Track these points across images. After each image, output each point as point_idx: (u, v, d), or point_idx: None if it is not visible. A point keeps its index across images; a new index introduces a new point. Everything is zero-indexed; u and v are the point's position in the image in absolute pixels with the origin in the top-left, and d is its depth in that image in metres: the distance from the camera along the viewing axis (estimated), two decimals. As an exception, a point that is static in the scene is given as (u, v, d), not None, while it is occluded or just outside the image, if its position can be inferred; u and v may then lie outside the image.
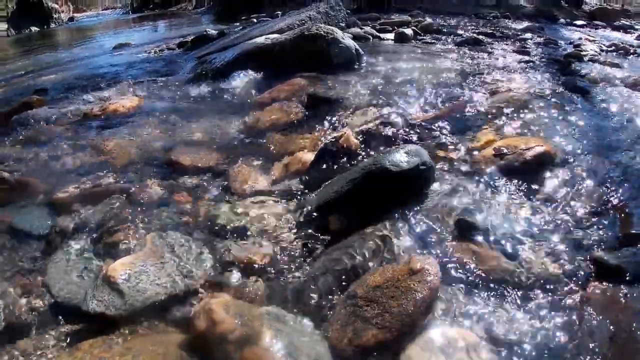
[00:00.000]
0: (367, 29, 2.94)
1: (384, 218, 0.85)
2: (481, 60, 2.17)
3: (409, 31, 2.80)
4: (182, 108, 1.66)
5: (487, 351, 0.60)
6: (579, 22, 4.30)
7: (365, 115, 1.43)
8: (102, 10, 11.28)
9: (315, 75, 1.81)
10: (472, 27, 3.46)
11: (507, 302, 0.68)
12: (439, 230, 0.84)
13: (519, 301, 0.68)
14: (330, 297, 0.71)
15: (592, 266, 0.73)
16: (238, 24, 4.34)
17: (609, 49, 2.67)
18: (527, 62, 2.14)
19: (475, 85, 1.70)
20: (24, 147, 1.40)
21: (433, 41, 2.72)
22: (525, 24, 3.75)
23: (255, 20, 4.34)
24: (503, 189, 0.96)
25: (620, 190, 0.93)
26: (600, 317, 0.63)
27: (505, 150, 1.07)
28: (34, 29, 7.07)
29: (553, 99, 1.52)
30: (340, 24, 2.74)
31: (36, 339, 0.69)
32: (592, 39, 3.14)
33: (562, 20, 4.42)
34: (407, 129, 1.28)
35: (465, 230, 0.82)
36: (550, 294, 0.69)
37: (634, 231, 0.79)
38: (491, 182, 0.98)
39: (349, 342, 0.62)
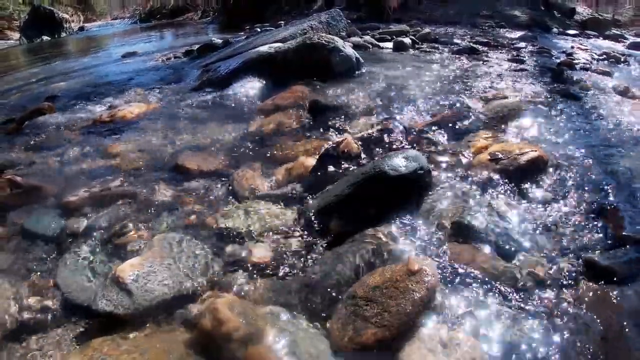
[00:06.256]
0: (367, 38, 3.02)
1: (383, 220, 0.88)
2: (477, 68, 2.22)
3: (407, 40, 2.87)
4: (188, 114, 1.71)
5: (483, 350, 0.62)
6: (571, 32, 4.37)
7: (366, 121, 1.47)
8: (111, 20, 11.57)
9: (317, 82, 1.86)
10: (469, 37, 3.54)
11: (502, 302, 0.70)
12: (436, 232, 0.86)
13: (513, 301, 0.70)
14: (331, 296, 0.73)
15: (584, 267, 0.75)
16: (242, 33, 4.45)
17: (601, 57, 2.72)
18: (521, 70, 2.19)
19: (471, 93, 1.74)
20: (36, 152, 1.45)
21: (430, 50, 2.78)
22: (520, 33, 3.82)
23: (258, 29, 4.45)
24: (498, 193, 0.99)
25: (611, 194, 0.96)
26: (592, 317, 0.65)
27: (500, 155, 1.10)
28: (45, 38, 7.26)
29: (546, 106, 1.56)
30: (341, 33, 2.82)
31: (48, 337, 0.71)
32: (584, 47, 3.20)
33: (555, 29, 4.50)
34: (406, 135, 1.31)
35: (461, 232, 0.85)
36: (544, 293, 0.71)
37: (624, 233, 0.81)
38: (486, 186, 1.01)
39: (349, 341, 0.63)
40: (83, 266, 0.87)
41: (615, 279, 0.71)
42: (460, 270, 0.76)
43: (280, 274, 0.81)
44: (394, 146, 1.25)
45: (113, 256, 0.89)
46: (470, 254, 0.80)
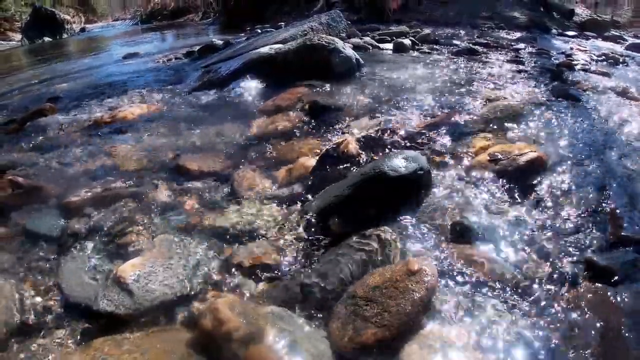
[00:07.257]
0: (367, 39, 3.02)
1: (383, 221, 0.88)
2: (476, 69, 2.23)
3: (407, 41, 2.87)
4: (189, 115, 1.72)
5: (482, 350, 0.62)
6: (570, 33, 4.39)
7: (365, 122, 1.48)
8: (113, 21, 11.64)
9: (317, 83, 1.87)
10: (468, 38, 3.55)
11: (501, 302, 0.70)
12: (436, 232, 0.87)
13: (513, 301, 0.70)
14: (331, 297, 0.73)
15: (583, 267, 0.76)
16: (243, 34, 4.46)
17: (599, 58, 2.73)
18: (520, 71, 2.20)
19: (471, 94, 1.75)
20: (38, 153, 1.45)
21: (430, 51, 2.79)
22: (519, 34, 3.83)
23: (259, 30, 4.47)
24: (497, 193, 0.99)
25: (610, 194, 0.96)
26: (591, 317, 0.66)
27: (499, 156, 1.10)
28: (46, 39, 7.30)
29: (546, 107, 1.57)
30: (341, 34, 2.84)
31: (49, 337, 0.71)
32: (583, 49, 3.21)
33: (554, 31, 4.51)
34: (406, 135, 1.32)
35: (461, 232, 0.85)
36: (543, 293, 0.72)
37: (623, 233, 0.82)
38: (486, 187, 1.01)
39: (349, 340, 0.64)
40: (84, 266, 0.87)
41: (614, 279, 0.71)
42: (460, 271, 0.76)
43: (281, 274, 0.81)
44: (394, 146, 1.25)
45: (114, 256, 0.89)
46: (470, 254, 0.80)
